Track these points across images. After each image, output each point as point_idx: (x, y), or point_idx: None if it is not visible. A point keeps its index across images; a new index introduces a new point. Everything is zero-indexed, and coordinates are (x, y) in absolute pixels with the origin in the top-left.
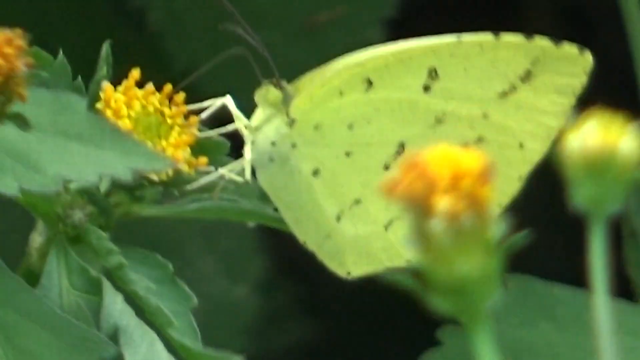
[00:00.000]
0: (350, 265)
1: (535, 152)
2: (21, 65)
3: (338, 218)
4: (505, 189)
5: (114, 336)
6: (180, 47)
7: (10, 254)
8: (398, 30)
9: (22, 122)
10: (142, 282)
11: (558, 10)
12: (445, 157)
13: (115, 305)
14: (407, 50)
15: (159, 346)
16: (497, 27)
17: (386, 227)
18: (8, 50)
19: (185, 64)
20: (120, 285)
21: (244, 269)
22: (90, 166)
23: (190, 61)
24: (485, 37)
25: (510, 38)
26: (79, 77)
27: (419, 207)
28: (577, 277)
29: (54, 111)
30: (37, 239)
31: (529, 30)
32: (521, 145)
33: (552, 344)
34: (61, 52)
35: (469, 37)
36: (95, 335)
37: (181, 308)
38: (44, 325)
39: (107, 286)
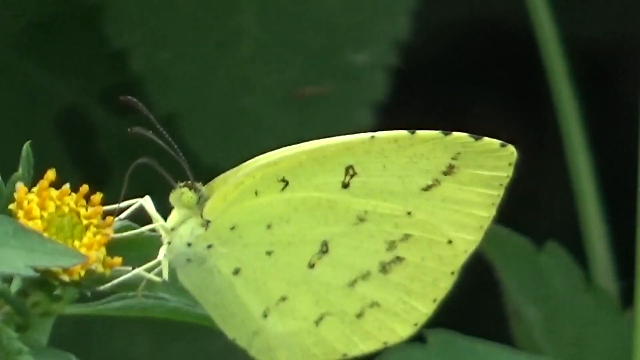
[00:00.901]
0: None
1: (467, 243)
2: None
3: (264, 315)
4: (439, 284)
5: None
6: (162, 93)
7: None
8: (387, 114)
9: None
10: None
11: None
12: None
13: None
14: (321, 149)
15: None
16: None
17: (317, 323)
18: None
19: (167, 109)
20: None
21: None
22: None
23: (173, 107)
24: (400, 134)
25: (426, 133)
26: None
27: None
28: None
29: None
30: None
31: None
32: (450, 242)
33: None
34: None
35: (382, 134)
36: None
37: None
38: None
39: None
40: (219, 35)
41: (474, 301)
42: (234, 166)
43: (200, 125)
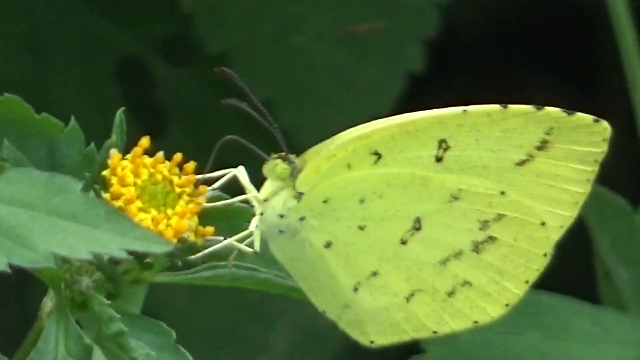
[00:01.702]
0: (372, 334)
1: (563, 219)
2: None
3: (355, 289)
4: (531, 265)
5: None
6: (214, 32)
7: (29, 317)
8: (436, 49)
9: None
10: (142, 350)
11: None
12: None
13: None
14: (413, 122)
15: None
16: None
17: (407, 299)
18: None
19: (219, 48)
20: (120, 353)
21: None
22: (84, 244)
23: (224, 46)
24: (492, 108)
25: (519, 108)
26: (92, 144)
27: None
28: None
29: (48, 192)
30: (48, 303)
31: None
32: (543, 224)
33: (541, 352)
34: (73, 119)
35: (475, 108)
36: None
37: None
38: None
39: (97, 354)
40: None
41: (564, 260)
42: (284, 105)
43: (252, 64)
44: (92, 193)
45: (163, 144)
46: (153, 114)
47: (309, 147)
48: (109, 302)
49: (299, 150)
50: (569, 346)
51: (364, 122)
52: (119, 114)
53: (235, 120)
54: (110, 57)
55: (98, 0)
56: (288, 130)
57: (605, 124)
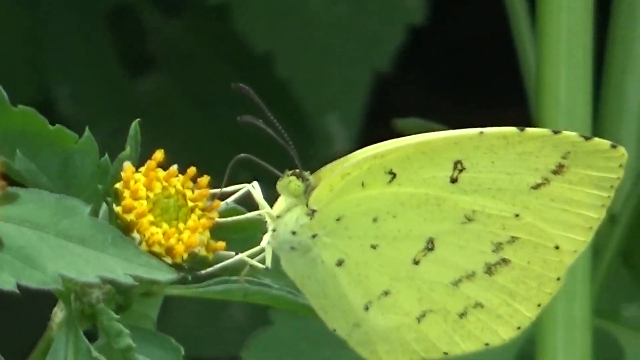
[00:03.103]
0: (382, 354)
1: (576, 244)
2: None
3: (366, 308)
4: (544, 289)
5: None
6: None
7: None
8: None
9: None
10: None
11: None
12: None
13: None
14: (428, 142)
15: None
16: None
17: (419, 319)
18: None
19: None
20: None
21: None
22: (91, 268)
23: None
24: (509, 130)
25: (535, 131)
26: (106, 155)
27: None
28: None
29: (57, 214)
30: (58, 313)
31: None
32: (557, 247)
33: None
34: (87, 130)
35: (491, 130)
36: None
37: None
38: None
39: None
40: None
41: None
42: (283, 57)
43: (251, 16)
44: (104, 206)
45: (153, 97)
46: (142, 62)
47: (306, 99)
48: (117, 316)
49: (298, 105)
50: None
51: (364, 76)
52: (134, 125)
53: (225, 71)
54: (103, 3)
55: None
56: (287, 82)
57: (622, 150)
